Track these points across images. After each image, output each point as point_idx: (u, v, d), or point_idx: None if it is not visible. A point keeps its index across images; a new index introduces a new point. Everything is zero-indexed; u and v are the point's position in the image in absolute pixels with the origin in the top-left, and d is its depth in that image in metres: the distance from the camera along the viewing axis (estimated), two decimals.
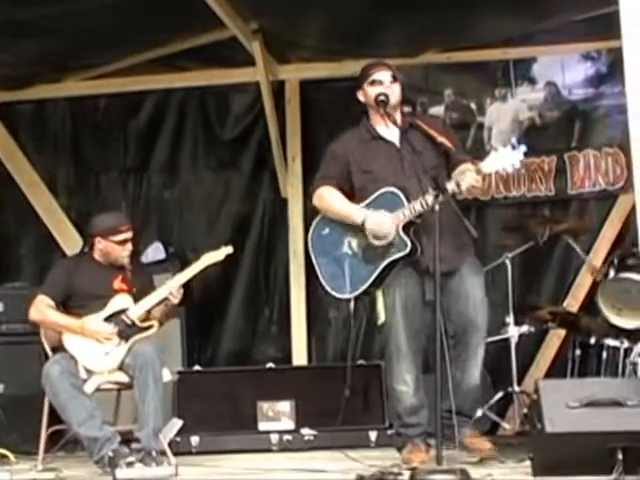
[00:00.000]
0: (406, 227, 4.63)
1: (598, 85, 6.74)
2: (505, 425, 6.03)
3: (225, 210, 7.27)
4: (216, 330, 7.12)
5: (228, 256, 5.45)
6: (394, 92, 4.83)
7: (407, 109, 5.21)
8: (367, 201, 4.76)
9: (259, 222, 7.22)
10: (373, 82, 4.82)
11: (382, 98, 4.77)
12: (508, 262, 5.96)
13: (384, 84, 4.81)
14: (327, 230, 4.92)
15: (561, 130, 6.85)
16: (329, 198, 4.89)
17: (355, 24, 6.29)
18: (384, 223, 4.66)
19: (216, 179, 7.31)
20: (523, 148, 4.60)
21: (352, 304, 4.92)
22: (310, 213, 6.89)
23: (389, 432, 5.75)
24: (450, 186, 4.55)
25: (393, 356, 4.78)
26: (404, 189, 4.65)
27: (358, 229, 4.75)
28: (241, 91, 7.22)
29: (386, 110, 4.78)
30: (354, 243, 4.80)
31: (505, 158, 4.61)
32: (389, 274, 4.73)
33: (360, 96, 4.91)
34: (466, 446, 4.65)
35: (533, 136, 6.84)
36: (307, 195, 7.03)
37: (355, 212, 4.75)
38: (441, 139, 4.76)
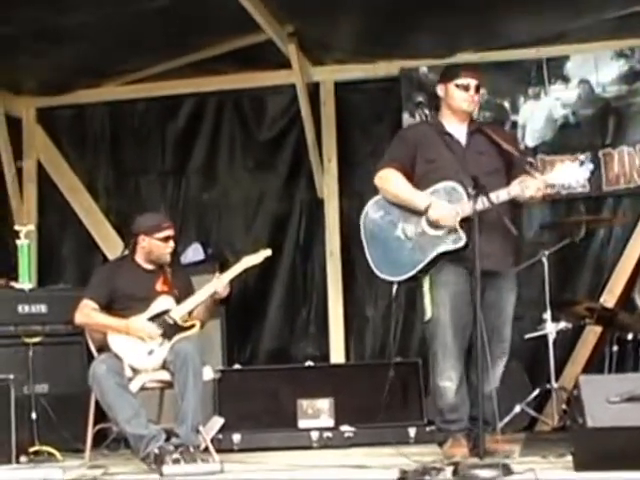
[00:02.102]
0: (462, 222, 4.70)
1: (631, 82, 6.74)
2: (544, 421, 6.07)
3: (262, 211, 7.35)
4: (255, 329, 7.20)
5: (266, 257, 5.55)
6: (475, 101, 4.97)
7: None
8: (429, 190, 4.82)
9: (296, 223, 7.30)
10: (460, 85, 4.92)
11: (466, 108, 4.92)
12: (545, 260, 5.99)
13: (469, 91, 4.92)
14: (381, 213, 4.96)
15: (595, 127, 6.85)
16: (393, 180, 4.93)
17: (388, 25, 6.35)
18: (448, 214, 4.72)
19: (253, 180, 7.39)
20: (591, 166, 4.72)
21: (395, 288, 5.00)
22: (347, 213, 7.03)
23: (428, 428, 5.82)
24: (514, 191, 4.68)
25: (439, 352, 4.83)
26: (464, 185, 4.71)
27: (412, 215, 4.83)
28: (277, 93, 7.30)
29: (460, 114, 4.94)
30: (408, 228, 4.85)
31: (572, 173, 4.72)
32: (436, 265, 4.79)
33: (440, 91, 5.01)
34: (487, 449, 4.65)
35: (567, 134, 6.87)
36: (343, 195, 7.14)
37: (420, 197, 4.82)
38: (507, 146, 4.88)
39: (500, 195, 4.69)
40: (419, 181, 4.91)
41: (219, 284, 5.24)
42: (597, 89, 6.87)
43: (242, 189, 7.40)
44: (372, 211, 5.00)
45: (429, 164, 4.91)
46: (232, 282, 5.40)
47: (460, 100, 4.92)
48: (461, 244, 4.72)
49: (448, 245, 4.76)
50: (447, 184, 4.81)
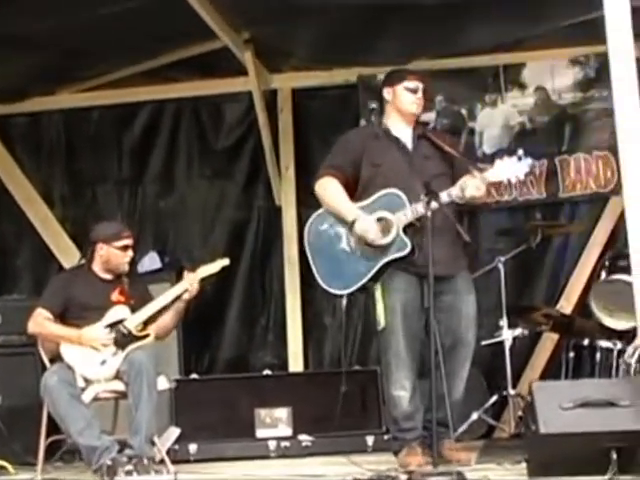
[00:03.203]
0: (407, 228, 4.69)
1: (586, 89, 6.78)
2: (501, 427, 6.07)
3: (220, 219, 7.31)
4: (213, 339, 7.15)
5: (223, 266, 5.51)
6: (421, 104, 5.00)
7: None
8: (369, 200, 4.82)
9: (254, 230, 7.26)
10: (408, 88, 4.94)
11: (414, 110, 4.95)
12: (501, 266, 5.99)
13: (417, 93, 4.96)
14: (326, 225, 4.95)
15: (551, 134, 6.89)
16: (329, 189, 4.94)
17: (346, 32, 6.32)
18: (372, 230, 4.71)
19: (210, 188, 7.35)
20: (529, 160, 4.75)
21: (345, 300, 4.95)
22: (305, 221, 6.94)
23: (386, 437, 5.79)
24: (454, 192, 4.67)
25: (392, 362, 4.82)
26: (409, 190, 4.70)
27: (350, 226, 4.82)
28: (234, 101, 7.26)
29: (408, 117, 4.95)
30: (353, 239, 4.82)
31: (511, 168, 4.74)
32: (384, 274, 4.77)
33: (387, 94, 5.02)
34: (444, 457, 4.66)
35: (524, 141, 6.86)
36: (301, 203, 7.11)
37: (348, 209, 4.81)
38: (450, 150, 4.91)
39: (442, 197, 4.67)
40: (365, 186, 4.90)
41: (174, 293, 5.21)
42: (553, 96, 6.90)
43: (199, 197, 7.35)
44: (316, 224, 5.01)
45: (375, 168, 4.89)
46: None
47: (409, 102, 4.95)
48: (406, 251, 4.70)
49: (393, 254, 4.74)
50: (388, 192, 4.79)
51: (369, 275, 4.78)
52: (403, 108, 4.96)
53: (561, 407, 3.82)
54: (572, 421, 3.78)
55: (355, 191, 4.92)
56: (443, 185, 4.75)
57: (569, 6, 5.71)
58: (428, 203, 4.53)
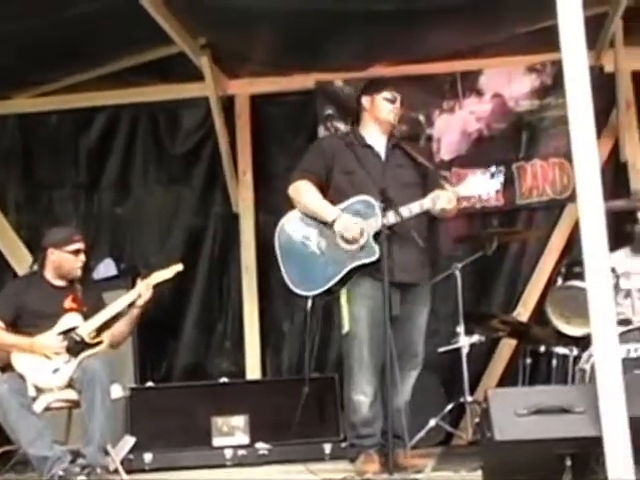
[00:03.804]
0: (377, 235, 4.71)
1: (543, 97, 6.82)
2: (458, 435, 6.07)
3: (177, 225, 7.24)
4: (170, 346, 7.08)
5: (181, 271, 5.47)
6: (398, 114, 5.08)
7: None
8: (342, 205, 4.85)
9: (211, 237, 7.20)
10: (387, 98, 5.02)
11: (392, 120, 5.02)
12: (458, 273, 5.99)
13: (395, 103, 5.04)
14: (296, 227, 4.97)
15: (508, 141, 6.93)
16: (304, 191, 4.97)
17: (303, 38, 6.31)
18: (353, 227, 4.75)
19: (167, 195, 7.29)
20: (501, 178, 4.83)
21: (310, 302, 5.02)
22: (263, 227, 6.97)
23: (343, 445, 5.76)
24: (426, 203, 4.75)
25: (355, 366, 4.83)
26: (391, 200, 4.72)
27: (327, 229, 4.85)
28: (191, 106, 7.20)
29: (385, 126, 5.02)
30: (323, 242, 4.87)
31: (483, 184, 4.86)
32: (352, 279, 4.81)
33: (365, 102, 5.07)
34: (400, 465, 4.65)
35: (481, 147, 6.93)
36: (259, 209, 7.08)
37: (328, 209, 4.85)
38: (423, 161, 4.97)
39: (413, 208, 4.75)
40: (336, 192, 4.94)
41: (127, 300, 5.15)
42: (510, 103, 6.94)
43: (156, 203, 7.29)
44: (287, 225, 5.01)
45: (346, 176, 4.94)
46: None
47: (387, 112, 5.02)
48: (374, 258, 4.72)
49: (362, 259, 4.78)
50: (361, 198, 4.82)
51: (336, 278, 4.82)
52: (381, 117, 5.03)
53: (516, 414, 3.82)
54: (527, 428, 3.78)
55: (326, 197, 4.95)
56: (413, 195, 4.83)
57: (525, 14, 5.75)
58: (384, 210, 4.55)
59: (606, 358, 3.69)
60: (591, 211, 3.77)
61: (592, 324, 3.76)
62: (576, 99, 3.82)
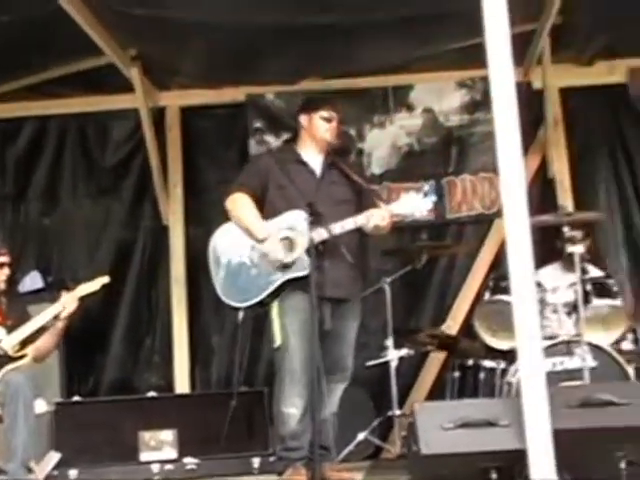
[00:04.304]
0: (310, 250, 4.70)
1: (473, 112, 6.91)
2: (387, 448, 6.08)
3: (106, 238, 7.16)
4: (97, 360, 6.99)
5: (109, 284, 5.43)
6: (335, 133, 5.08)
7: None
8: (275, 220, 4.87)
9: (140, 250, 7.14)
10: (324, 117, 5.04)
11: (329, 138, 5.03)
12: (387, 287, 6.01)
13: (332, 122, 5.06)
14: (230, 238, 4.97)
15: (438, 156, 7.00)
16: (240, 204, 4.98)
17: (234, 51, 6.30)
18: (279, 250, 4.78)
19: (96, 207, 7.21)
20: (434, 197, 4.87)
21: (241, 314, 5.00)
22: (192, 240, 6.92)
23: (272, 458, 5.73)
24: (360, 220, 4.79)
25: (286, 378, 4.81)
26: (319, 214, 4.74)
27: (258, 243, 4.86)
28: (121, 118, 7.15)
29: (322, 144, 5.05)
30: (255, 255, 4.87)
31: (416, 203, 4.87)
32: (284, 292, 4.82)
33: (303, 121, 5.10)
34: (327, 478, 4.63)
35: (411, 162, 6.99)
36: (189, 222, 7.04)
37: (259, 228, 4.87)
38: (357, 179, 5.02)
39: (346, 224, 4.79)
40: (270, 207, 4.96)
41: (51, 313, 5.08)
42: (440, 118, 7.01)
43: (85, 215, 7.20)
44: (221, 236, 5.00)
45: (280, 191, 4.96)
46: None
47: (324, 131, 5.05)
48: (305, 272, 4.72)
49: (294, 272, 4.79)
50: (293, 213, 4.84)
51: (268, 291, 4.82)
52: (318, 135, 5.06)
53: (442, 427, 3.83)
54: (452, 441, 3.79)
55: (262, 212, 4.97)
56: (347, 211, 4.87)
57: (454, 30, 5.80)
58: (312, 225, 4.61)
59: (531, 372, 3.71)
60: (517, 226, 3.80)
61: (517, 338, 3.78)
62: (503, 115, 3.86)
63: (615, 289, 5.74)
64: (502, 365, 5.61)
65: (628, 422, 3.75)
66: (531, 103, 6.91)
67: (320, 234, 4.70)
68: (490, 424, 3.82)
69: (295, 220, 4.82)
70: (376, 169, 6.99)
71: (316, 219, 4.65)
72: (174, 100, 7.16)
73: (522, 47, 6.45)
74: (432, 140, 7.00)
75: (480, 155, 6.88)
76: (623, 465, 3.76)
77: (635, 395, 3.89)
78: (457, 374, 5.91)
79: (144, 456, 5.94)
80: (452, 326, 6.64)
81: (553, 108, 6.95)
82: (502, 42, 3.87)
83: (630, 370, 5.30)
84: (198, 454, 5.93)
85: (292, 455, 4.77)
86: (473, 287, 6.75)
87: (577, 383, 5.05)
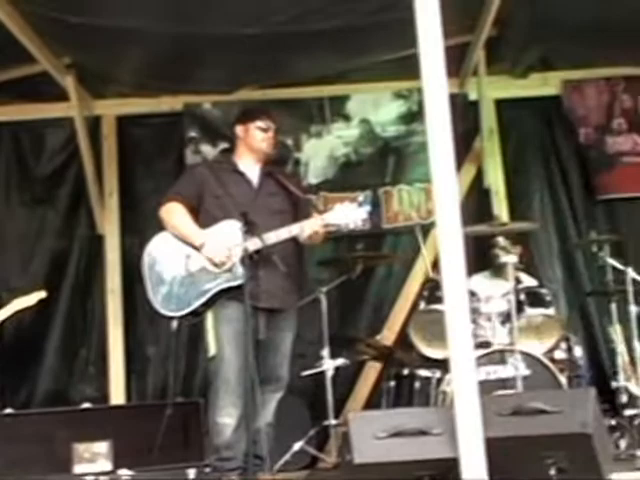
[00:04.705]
0: (244, 259, 4.71)
1: (409, 122, 6.95)
2: (323, 458, 6.07)
3: (40, 247, 7.05)
4: (31, 371, 6.88)
5: (40, 299, 5.34)
6: (272, 143, 5.13)
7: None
8: (211, 229, 4.89)
9: (75, 260, 7.04)
10: (260, 127, 5.08)
11: (265, 149, 5.07)
12: (322, 297, 6.00)
13: (269, 133, 5.10)
14: (165, 248, 4.98)
15: (375, 166, 7.04)
16: (175, 213, 5.01)
17: (171, 60, 6.26)
18: (220, 253, 4.79)
19: (30, 216, 7.09)
20: (368, 207, 4.94)
21: (175, 323, 5.03)
22: (128, 249, 6.87)
23: (207, 469, 5.70)
24: (294, 230, 4.83)
25: (221, 389, 4.82)
26: (253, 223, 4.75)
27: (195, 251, 4.88)
28: (56, 126, 7.07)
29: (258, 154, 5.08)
30: (190, 264, 4.88)
31: (350, 214, 4.91)
32: (218, 301, 4.83)
33: (239, 131, 5.14)
34: None
35: (348, 172, 7.02)
36: (125, 231, 6.98)
37: (196, 233, 4.89)
38: (294, 189, 5.07)
39: (281, 234, 4.82)
40: (206, 217, 4.98)
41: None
42: (377, 128, 7.05)
43: (18, 225, 7.08)
44: (156, 246, 5.01)
45: (216, 200, 4.98)
46: (4, 322, 5.18)
47: (260, 141, 5.09)
48: (240, 281, 4.72)
49: (228, 282, 4.81)
50: (228, 222, 4.85)
51: (202, 300, 4.84)
52: (254, 146, 5.09)
53: (375, 437, 3.83)
54: (386, 450, 3.79)
55: (197, 221, 4.99)
56: (283, 221, 4.90)
57: (388, 41, 5.83)
58: (246, 234, 4.64)
59: (463, 380, 3.73)
60: (450, 236, 3.83)
61: (450, 347, 3.81)
62: (436, 126, 3.88)
63: (548, 298, 5.82)
64: (437, 374, 5.64)
65: (558, 430, 3.79)
66: (467, 114, 7.00)
67: (254, 244, 4.71)
68: (423, 433, 3.83)
69: (229, 230, 4.82)
70: (313, 179, 7.01)
71: (250, 228, 4.67)
72: (110, 109, 7.10)
73: (458, 58, 6.53)
74: (369, 150, 7.05)
75: (417, 165, 6.92)
76: (553, 472, 3.80)
77: (566, 403, 3.93)
78: (393, 383, 5.92)
79: (78, 468, 5.89)
80: (388, 336, 6.68)
81: (488, 119, 7.03)
82: (435, 53, 3.90)
83: (562, 378, 5.37)
84: (133, 466, 5.89)
85: (226, 465, 4.77)
86: (409, 297, 6.79)
87: (510, 392, 5.11)
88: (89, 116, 6.90)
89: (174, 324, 5.05)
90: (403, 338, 6.45)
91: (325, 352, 5.89)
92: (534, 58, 6.88)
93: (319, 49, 6.08)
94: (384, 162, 7.03)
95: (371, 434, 3.84)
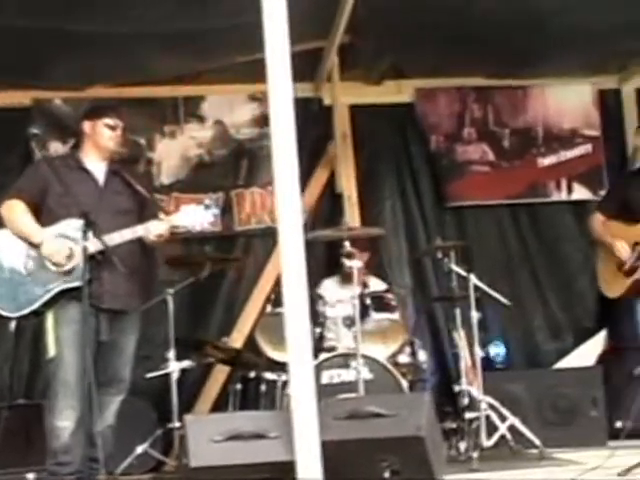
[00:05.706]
0: (88, 259, 4.62)
1: (263, 125, 6.95)
2: (167, 461, 6.02)
3: None
4: None
5: None
6: (119, 142, 5.05)
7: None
8: (53, 226, 4.78)
9: None
10: (108, 125, 4.99)
11: (112, 147, 4.99)
12: (169, 298, 5.95)
13: (117, 131, 5.02)
14: (3, 245, 4.85)
15: (228, 168, 7.03)
16: (15, 211, 4.90)
17: (22, 55, 6.12)
18: (59, 252, 4.71)
19: None
20: (215, 210, 4.93)
21: (14, 324, 5.02)
22: None
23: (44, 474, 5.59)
24: (140, 230, 4.77)
25: (59, 391, 4.74)
26: (93, 223, 4.65)
27: (35, 250, 4.78)
28: None
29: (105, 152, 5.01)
30: (30, 263, 4.78)
31: (196, 216, 4.90)
32: (59, 302, 4.74)
33: (86, 127, 5.04)
34: None
35: (201, 173, 6.98)
36: None
37: (36, 231, 4.79)
38: (141, 189, 5.00)
39: (125, 234, 4.76)
40: (48, 214, 4.87)
41: None
42: (231, 130, 7.05)
43: None
44: None
45: (60, 198, 4.85)
46: None
47: (107, 139, 5.00)
48: (81, 282, 4.63)
49: (69, 282, 4.72)
50: (70, 221, 4.76)
51: (42, 300, 4.74)
52: (101, 143, 5.01)
53: (212, 440, 3.84)
54: (221, 454, 3.82)
55: (40, 218, 4.87)
56: (128, 221, 4.84)
57: (242, 44, 5.82)
58: (85, 234, 4.56)
59: (300, 384, 3.77)
60: (290, 240, 3.88)
61: (289, 351, 3.84)
62: (280, 130, 3.95)
63: (393, 303, 5.92)
64: (283, 377, 5.66)
65: (392, 433, 3.86)
66: (321, 119, 7.06)
67: (96, 244, 4.63)
68: (260, 436, 3.87)
69: (71, 229, 4.74)
70: (165, 179, 6.95)
71: (92, 228, 4.58)
72: None
73: (312, 63, 6.57)
74: (222, 152, 7.03)
75: (269, 169, 6.88)
76: (387, 475, 3.87)
77: (403, 407, 4.01)
78: (239, 386, 5.94)
79: None
80: (238, 338, 6.67)
81: (342, 124, 7.09)
82: (281, 58, 3.95)
83: (404, 382, 5.47)
84: None
85: (62, 470, 4.69)
86: (259, 300, 6.78)
87: (350, 395, 5.17)
88: None
89: (12, 325, 4.92)
90: (252, 341, 6.46)
91: (171, 354, 5.84)
92: (386, 66, 6.98)
93: (173, 49, 6.05)
94: (237, 164, 7.03)
95: (208, 437, 3.85)
